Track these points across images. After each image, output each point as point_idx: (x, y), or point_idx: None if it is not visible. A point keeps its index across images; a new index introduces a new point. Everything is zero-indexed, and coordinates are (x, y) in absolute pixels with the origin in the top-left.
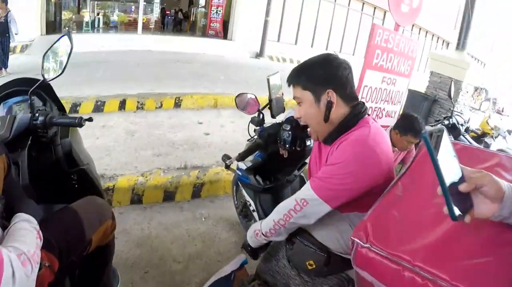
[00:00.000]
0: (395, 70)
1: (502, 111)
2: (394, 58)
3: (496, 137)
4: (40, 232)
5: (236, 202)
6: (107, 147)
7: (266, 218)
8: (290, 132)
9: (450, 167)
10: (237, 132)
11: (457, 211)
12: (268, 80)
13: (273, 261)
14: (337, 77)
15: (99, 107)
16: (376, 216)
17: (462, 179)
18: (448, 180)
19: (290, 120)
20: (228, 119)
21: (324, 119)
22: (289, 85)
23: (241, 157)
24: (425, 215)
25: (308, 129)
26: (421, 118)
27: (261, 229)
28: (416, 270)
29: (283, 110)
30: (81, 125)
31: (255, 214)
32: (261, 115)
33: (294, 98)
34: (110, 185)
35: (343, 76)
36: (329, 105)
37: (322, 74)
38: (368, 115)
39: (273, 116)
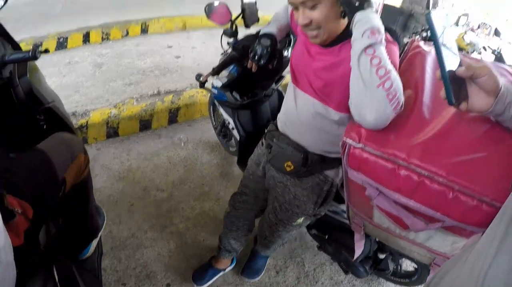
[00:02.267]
0: None
1: (478, 27)
2: None
3: (471, 53)
4: None
5: (214, 123)
6: (75, 83)
7: None
8: (269, 49)
9: (450, 56)
10: (209, 53)
11: (455, 97)
12: None
13: (257, 167)
14: None
15: (62, 44)
16: None
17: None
18: (447, 66)
19: (270, 36)
20: (199, 40)
21: (342, 16)
22: None
23: (215, 71)
24: (417, 115)
25: (312, 32)
26: (399, 31)
27: (381, 46)
28: (412, 168)
29: (257, 20)
30: (36, 58)
31: (234, 132)
32: (234, 26)
33: (302, 2)
34: (83, 121)
35: None
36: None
37: None
38: None
39: (247, 26)
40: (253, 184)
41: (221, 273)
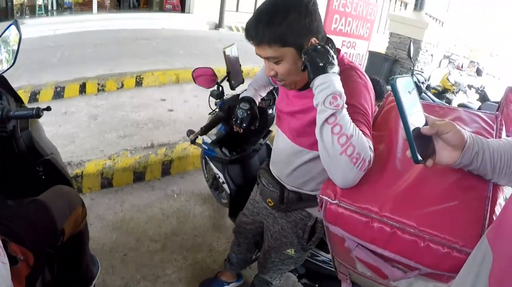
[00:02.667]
0: (354, 34)
1: (462, 67)
2: (352, 22)
3: (457, 93)
4: None
5: (206, 176)
6: (70, 134)
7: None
8: (248, 112)
9: (415, 114)
10: (201, 106)
11: (419, 156)
12: (224, 52)
13: (250, 201)
14: (316, 20)
15: (59, 93)
16: None
17: (425, 126)
18: (412, 125)
19: (248, 100)
20: (191, 93)
21: (302, 70)
22: (257, 44)
23: (203, 131)
24: (390, 168)
25: (280, 82)
26: (383, 80)
27: (343, 112)
28: (384, 220)
29: (242, 81)
30: (39, 116)
31: (225, 185)
32: (220, 88)
33: (266, 58)
34: (78, 171)
35: (318, 15)
36: None
37: (304, 24)
38: (339, 50)
39: (232, 88)
40: (251, 208)
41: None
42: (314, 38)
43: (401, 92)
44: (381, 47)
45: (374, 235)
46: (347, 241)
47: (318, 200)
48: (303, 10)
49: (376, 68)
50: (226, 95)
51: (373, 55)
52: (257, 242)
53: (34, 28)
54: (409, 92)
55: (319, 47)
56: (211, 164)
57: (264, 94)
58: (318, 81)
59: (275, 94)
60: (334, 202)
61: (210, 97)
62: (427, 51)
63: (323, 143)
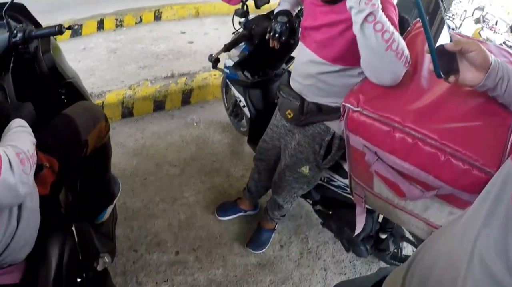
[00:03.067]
0: None
1: (496, 25)
2: None
3: None
4: (33, 134)
5: (226, 104)
6: (90, 67)
7: None
8: (287, 24)
9: (439, 31)
10: (221, 39)
11: (443, 70)
12: None
13: (270, 126)
14: None
15: (76, 31)
16: (367, 85)
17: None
18: (441, 42)
19: (286, 13)
20: (212, 27)
21: None
22: None
23: (227, 47)
24: (415, 85)
25: None
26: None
27: (380, 11)
28: (406, 130)
29: (267, 1)
30: (61, 32)
31: (245, 109)
32: (245, 6)
33: None
34: (99, 102)
35: None
36: None
37: None
38: None
39: (257, 7)
40: (271, 133)
41: (241, 213)
42: None
43: (424, 5)
44: None
45: (395, 145)
46: (367, 155)
47: (341, 108)
48: None
49: (407, 9)
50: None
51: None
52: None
53: None
54: (432, 6)
55: None
56: (233, 88)
57: (295, 12)
58: None
59: (300, 17)
60: (356, 109)
61: (234, 16)
62: (460, 1)
63: (367, 41)
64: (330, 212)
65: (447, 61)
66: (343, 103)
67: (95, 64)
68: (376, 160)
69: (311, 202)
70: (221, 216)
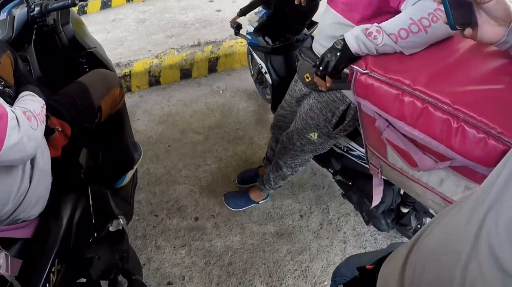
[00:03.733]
0: None
1: None
2: None
3: None
4: (43, 101)
5: (252, 71)
6: (119, 38)
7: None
8: None
9: None
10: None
11: (457, 21)
12: None
13: (288, 92)
14: None
15: (106, 3)
16: None
17: None
18: None
19: None
20: None
21: None
22: None
23: (243, 12)
24: (432, 44)
25: None
26: None
27: (383, 29)
28: (416, 94)
29: None
30: (75, 4)
31: (267, 76)
32: None
33: None
34: (127, 71)
35: None
36: None
37: None
38: None
39: None
40: (289, 99)
41: (253, 205)
42: None
43: None
44: None
45: (404, 110)
46: (378, 120)
47: (349, 71)
48: None
49: None
50: None
51: None
52: None
53: None
54: None
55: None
56: (255, 55)
57: None
58: (349, 41)
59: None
60: (364, 71)
61: None
62: None
63: (416, 46)
64: (350, 183)
65: (463, 12)
66: (351, 65)
67: (124, 35)
68: (386, 127)
69: (332, 171)
70: (241, 184)
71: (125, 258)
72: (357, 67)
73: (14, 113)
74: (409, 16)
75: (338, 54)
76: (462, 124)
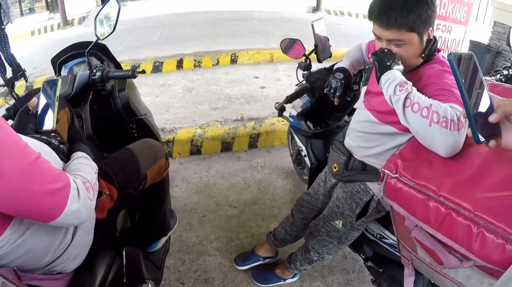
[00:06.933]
0: (450, 17)
1: None
2: (448, 4)
3: None
4: (96, 167)
5: (291, 151)
6: (166, 103)
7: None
8: (342, 81)
9: (478, 95)
10: (293, 85)
11: (481, 137)
12: (312, 25)
13: (316, 181)
14: (435, 12)
15: (157, 68)
16: (407, 152)
17: (491, 108)
18: (475, 107)
19: (343, 70)
20: (284, 73)
21: (422, 57)
22: (386, 27)
23: (289, 99)
24: (457, 154)
25: None
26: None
27: (413, 92)
28: (440, 200)
29: (329, 55)
30: (134, 76)
31: (306, 159)
32: (307, 60)
33: (389, 40)
34: (170, 137)
35: (436, 8)
36: (429, 42)
37: (429, 15)
38: (439, 50)
39: (319, 61)
40: (317, 187)
41: (260, 261)
42: (431, 29)
43: (460, 68)
44: (484, 37)
45: (429, 214)
46: (407, 220)
47: (380, 172)
48: (429, 1)
49: (477, 60)
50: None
51: (474, 45)
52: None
53: (136, 9)
54: (470, 69)
55: (386, 50)
56: (296, 137)
57: (356, 70)
58: (385, 76)
59: (363, 72)
60: (394, 175)
61: (298, 69)
62: None
63: (412, 126)
64: (381, 270)
65: (488, 124)
66: (382, 169)
67: (171, 101)
68: (415, 226)
69: (363, 257)
70: (240, 266)
71: None
72: (387, 171)
73: (76, 183)
74: (431, 103)
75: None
76: (482, 229)
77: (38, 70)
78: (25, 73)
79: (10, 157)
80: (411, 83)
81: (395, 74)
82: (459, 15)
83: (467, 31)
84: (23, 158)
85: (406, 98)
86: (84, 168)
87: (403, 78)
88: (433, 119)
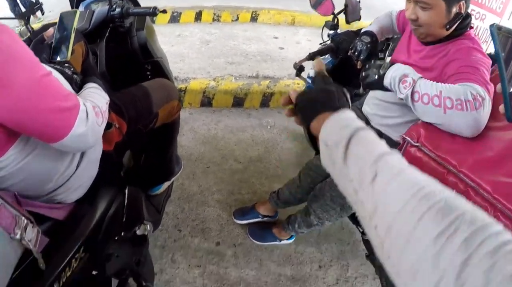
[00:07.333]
0: (485, 5)
1: None
2: None
3: None
4: (108, 98)
5: None
6: (181, 53)
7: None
8: (368, 45)
9: None
10: (313, 50)
11: None
12: None
13: None
14: None
15: (175, 18)
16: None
17: None
18: (510, 83)
19: (371, 34)
20: (305, 37)
21: (447, 28)
22: None
23: (311, 56)
24: (484, 129)
25: (413, 26)
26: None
27: (418, 83)
28: (460, 176)
29: (358, 18)
30: (155, 14)
31: None
32: (335, 19)
33: (416, 1)
34: (183, 86)
35: None
36: (458, 16)
37: None
38: (471, 27)
39: (347, 22)
40: None
41: (259, 218)
42: (464, 3)
43: (500, 40)
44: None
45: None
46: None
47: (400, 140)
48: None
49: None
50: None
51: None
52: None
53: None
54: (509, 44)
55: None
56: None
57: (384, 37)
58: (388, 78)
59: (391, 42)
60: (415, 144)
61: (324, 28)
62: None
63: (428, 116)
64: None
65: None
66: (403, 135)
67: (187, 51)
68: None
69: (361, 231)
70: (238, 219)
71: (141, 263)
72: (409, 139)
73: (85, 106)
74: (441, 89)
75: (376, 77)
76: (498, 213)
77: (53, 14)
78: (42, 6)
79: (22, 69)
80: (413, 71)
81: (397, 70)
82: (495, 5)
83: (501, 22)
84: (35, 71)
85: (413, 93)
86: (96, 96)
87: (400, 71)
88: (447, 105)
